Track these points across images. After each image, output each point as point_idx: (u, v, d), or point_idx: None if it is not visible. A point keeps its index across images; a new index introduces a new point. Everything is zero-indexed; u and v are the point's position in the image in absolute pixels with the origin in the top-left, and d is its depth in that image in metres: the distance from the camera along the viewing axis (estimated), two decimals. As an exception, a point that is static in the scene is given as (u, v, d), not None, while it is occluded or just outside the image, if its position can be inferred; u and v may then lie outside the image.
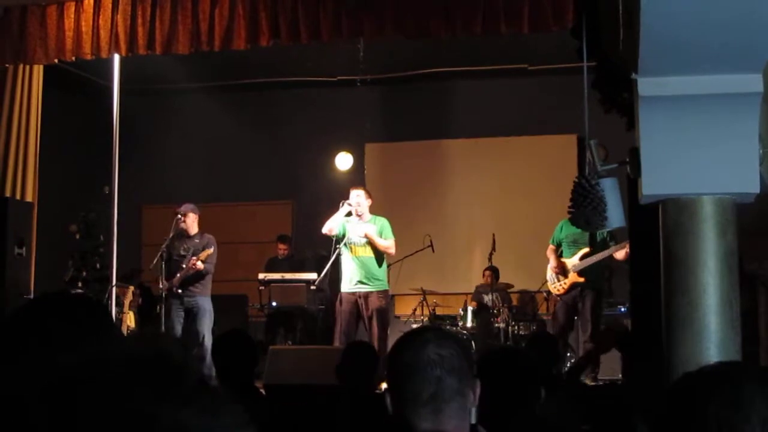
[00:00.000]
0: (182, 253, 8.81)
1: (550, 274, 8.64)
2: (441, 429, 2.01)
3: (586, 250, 8.44)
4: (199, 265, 8.60)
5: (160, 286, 8.65)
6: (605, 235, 8.37)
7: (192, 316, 8.68)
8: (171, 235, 8.80)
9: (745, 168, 3.30)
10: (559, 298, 8.59)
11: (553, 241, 8.70)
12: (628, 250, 8.05)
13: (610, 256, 8.35)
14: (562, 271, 8.51)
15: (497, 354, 3.61)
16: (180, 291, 8.68)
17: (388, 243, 8.24)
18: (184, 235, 8.90)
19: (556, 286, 8.55)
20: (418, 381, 2.02)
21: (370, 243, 8.18)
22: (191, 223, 8.89)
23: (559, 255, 8.61)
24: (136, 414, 0.77)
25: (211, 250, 8.71)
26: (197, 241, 8.89)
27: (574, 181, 3.60)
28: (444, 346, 2.06)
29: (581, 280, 8.38)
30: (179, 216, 8.80)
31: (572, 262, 8.47)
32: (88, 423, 0.77)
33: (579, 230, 8.42)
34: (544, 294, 9.50)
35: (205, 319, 8.65)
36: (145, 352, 0.88)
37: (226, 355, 4.29)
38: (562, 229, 8.63)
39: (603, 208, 3.47)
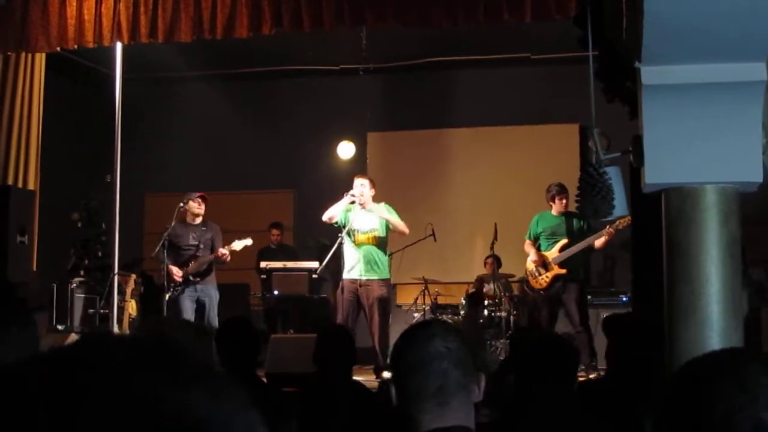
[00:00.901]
0: (191, 242, 8.78)
1: (532, 268, 8.59)
2: (446, 423, 1.99)
3: (564, 241, 8.41)
4: (228, 256, 8.65)
5: (175, 274, 8.61)
6: (582, 224, 8.37)
7: (203, 306, 8.70)
8: (173, 222, 8.77)
9: (748, 157, 3.29)
10: (541, 292, 8.52)
11: (529, 235, 8.67)
12: (606, 238, 8.20)
13: (589, 246, 8.35)
14: (542, 264, 8.47)
15: (544, 341, 3.75)
16: (196, 279, 8.71)
17: (402, 223, 8.24)
18: (187, 223, 8.88)
19: (539, 280, 8.51)
20: (425, 374, 2.01)
21: (374, 232, 8.17)
22: (202, 211, 8.89)
23: (536, 248, 8.57)
24: (141, 396, 0.77)
25: (249, 242, 8.85)
26: (204, 229, 8.87)
27: (582, 169, 3.60)
28: (450, 339, 2.06)
29: (563, 272, 8.36)
30: (182, 204, 8.78)
31: (552, 254, 8.44)
32: (92, 406, 0.77)
33: (556, 222, 8.49)
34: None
35: (214, 307, 8.74)
36: (148, 335, 0.88)
37: (229, 343, 4.28)
38: (538, 223, 8.62)
39: (611, 196, 3.48)
